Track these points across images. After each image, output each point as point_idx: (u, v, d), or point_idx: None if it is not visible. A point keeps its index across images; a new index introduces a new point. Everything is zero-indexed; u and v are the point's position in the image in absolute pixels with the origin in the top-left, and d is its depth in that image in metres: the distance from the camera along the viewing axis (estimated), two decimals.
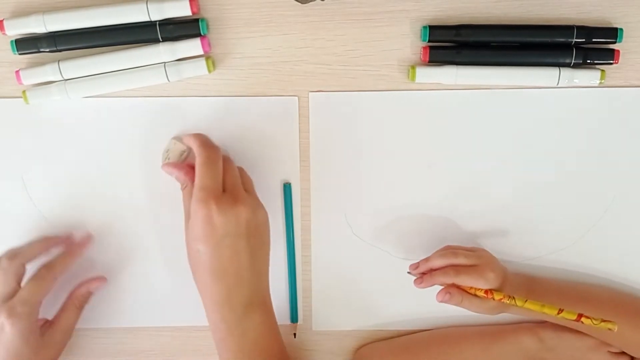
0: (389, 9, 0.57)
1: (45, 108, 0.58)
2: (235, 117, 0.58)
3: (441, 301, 0.54)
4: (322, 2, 0.56)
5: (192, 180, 0.53)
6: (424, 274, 0.56)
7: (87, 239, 0.59)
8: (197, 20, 0.55)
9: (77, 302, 0.59)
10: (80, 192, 0.59)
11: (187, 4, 0.54)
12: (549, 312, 0.51)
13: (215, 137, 0.58)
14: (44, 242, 0.58)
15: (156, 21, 0.55)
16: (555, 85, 0.57)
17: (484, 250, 0.58)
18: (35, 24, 0.55)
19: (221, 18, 0.57)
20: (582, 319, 0.50)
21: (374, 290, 0.62)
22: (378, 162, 0.59)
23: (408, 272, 0.58)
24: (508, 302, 0.52)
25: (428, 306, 0.62)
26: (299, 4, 0.56)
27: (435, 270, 0.55)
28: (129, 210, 0.60)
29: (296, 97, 0.58)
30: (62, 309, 0.58)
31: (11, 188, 0.59)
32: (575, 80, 0.56)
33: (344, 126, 0.59)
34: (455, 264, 0.54)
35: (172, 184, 0.58)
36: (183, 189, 0.54)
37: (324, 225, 0.60)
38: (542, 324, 0.60)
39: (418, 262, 0.57)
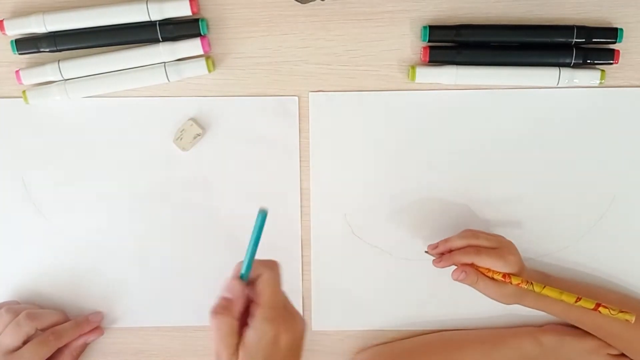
0: (389, 9, 0.57)
1: (45, 108, 0.58)
2: (235, 117, 0.58)
3: (456, 279, 0.53)
4: (322, 2, 0.56)
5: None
6: (442, 254, 0.55)
7: (99, 331, 0.60)
8: (197, 20, 0.55)
9: (75, 352, 0.59)
10: (80, 192, 0.59)
11: (187, 4, 0.54)
12: (567, 300, 0.51)
13: (216, 137, 0.58)
14: (62, 316, 0.59)
15: (156, 21, 0.55)
16: (555, 85, 0.57)
17: (503, 236, 0.56)
18: (35, 24, 0.55)
19: (221, 18, 0.57)
20: (600, 309, 0.50)
21: (374, 290, 0.61)
22: (378, 162, 0.59)
23: (426, 252, 0.57)
24: (526, 287, 0.51)
25: (428, 306, 0.61)
26: (299, 4, 0.56)
27: (454, 250, 0.54)
28: (129, 210, 0.60)
29: (296, 97, 0.58)
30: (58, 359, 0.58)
31: (11, 188, 0.59)
32: (575, 80, 0.56)
33: (343, 126, 0.59)
34: (476, 244, 0.54)
35: (172, 184, 0.58)
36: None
37: (324, 225, 0.60)
38: (543, 328, 0.60)
39: (437, 243, 0.56)
